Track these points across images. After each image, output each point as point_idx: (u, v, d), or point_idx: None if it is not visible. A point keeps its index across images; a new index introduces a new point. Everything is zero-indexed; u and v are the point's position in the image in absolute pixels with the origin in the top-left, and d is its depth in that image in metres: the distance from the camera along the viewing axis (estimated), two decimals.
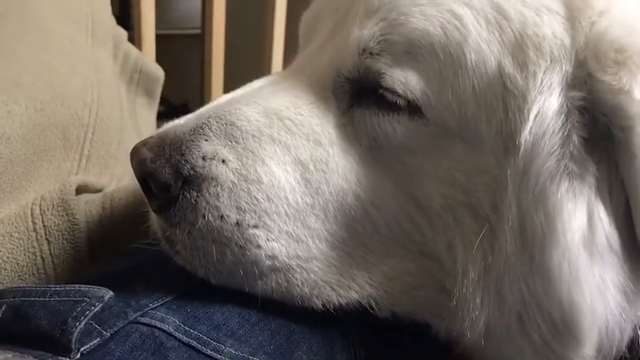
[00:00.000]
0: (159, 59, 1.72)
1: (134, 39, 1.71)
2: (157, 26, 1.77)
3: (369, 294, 0.63)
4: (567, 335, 0.59)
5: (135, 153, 0.62)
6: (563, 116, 0.57)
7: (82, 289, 0.59)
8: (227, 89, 1.94)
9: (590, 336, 0.59)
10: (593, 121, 0.57)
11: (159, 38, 1.79)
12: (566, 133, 0.57)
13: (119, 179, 0.96)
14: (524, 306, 0.59)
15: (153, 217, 0.66)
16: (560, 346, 0.59)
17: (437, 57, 0.59)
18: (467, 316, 0.60)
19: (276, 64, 1.96)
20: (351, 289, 0.63)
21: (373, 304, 0.64)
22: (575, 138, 0.57)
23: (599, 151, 0.58)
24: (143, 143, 0.62)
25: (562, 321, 0.58)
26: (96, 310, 0.57)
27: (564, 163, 0.57)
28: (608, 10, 0.58)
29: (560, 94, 0.57)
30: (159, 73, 1.15)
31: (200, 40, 2.76)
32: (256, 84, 0.68)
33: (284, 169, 0.62)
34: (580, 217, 0.57)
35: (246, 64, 2.53)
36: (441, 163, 0.61)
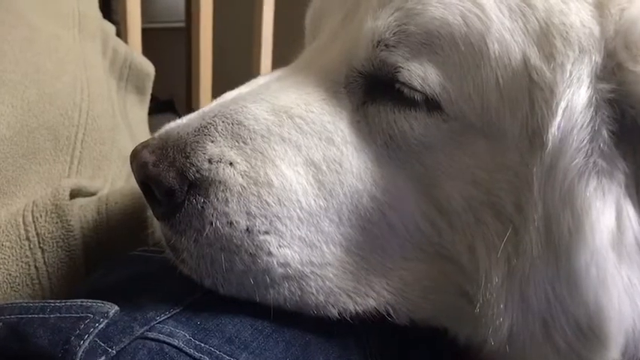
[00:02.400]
0: (143, 54, 1.68)
1: (119, 33, 1.66)
2: (141, 20, 1.72)
3: (387, 300, 0.60)
4: (593, 339, 0.56)
5: (135, 156, 0.58)
6: (592, 110, 0.54)
7: (85, 304, 0.56)
8: (215, 83, 1.91)
9: (617, 340, 0.56)
10: (622, 114, 0.54)
11: (143, 32, 1.74)
12: (595, 128, 0.54)
13: (113, 181, 0.92)
14: (550, 310, 0.56)
15: (155, 223, 0.62)
16: (585, 351, 0.57)
17: (457, 48, 0.55)
18: (491, 323, 0.57)
19: (265, 58, 1.91)
20: (369, 296, 0.60)
21: (391, 310, 0.61)
22: (604, 133, 0.54)
23: (625, 146, 0.55)
24: (144, 145, 0.58)
25: (588, 325, 0.56)
26: (101, 326, 0.53)
27: (593, 159, 0.54)
28: None
29: (589, 87, 0.54)
30: (149, 68, 1.11)
31: (185, 34, 2.72)
32: (262, 80, 0.64)
33: (295, 171, 0.58)
34: (609, 217, 0.55)
35: (235, 58, 2.49)
36: (461, 160, 0.57)
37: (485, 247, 0.58)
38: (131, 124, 1.04)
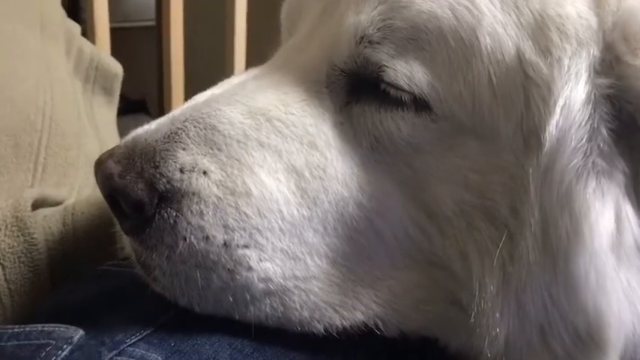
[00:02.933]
0: (113, 53, 1.62)
1: (87, 33, 1.61)
2: (110, 19, 1.66)
3: (376, 313, 0.57)
4: (592, 346, 0.54)
5: (99, 166, 0.54)
6: (590, 106, 0.51)
7: (46, 329, 0.51)
8: (188, 83, 1.85)
9: (616, 345, 0.54)
10: (621, 110, 0.52)
11: (114, 32, 1.68)
12: (594, 126, 0.51)
13: (80, 189, 0.87)
14: (547, 317, 0.54)
15: (125, 237, 0.58)
16: (583, 357, 0.54)
17: (446, 43, 0.52)
18: (486, 333, 0.54)
19: (238, 54, 1.86)
20: (356, 310, 0.56)
21: (380, 324, 0.57)
22: (603, 131, 0.52)
23: (624, 144, 0.53)
24: (109, 154, 0.54)
25: (587, 331, 0.53)
26: (64, 354, 0.49)
27: (592, 159, 0.52)
28: None
29: (587, 82, 0.51)
30: (117, 68, 1.06)
31: (156, 33, 2.66)
32: (236, 80, 0.60)
33: (276, 179, 0.54)
34: (608, 219, 0.52)
35: (207, 56, 2.43)
36: (452, 162, 0.54)
37: (478, 253, 0.55)
38: (98, 127, 0.99)
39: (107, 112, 1.04)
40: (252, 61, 1.90)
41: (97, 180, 0.55)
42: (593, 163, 0.51)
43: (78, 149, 0.88)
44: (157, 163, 0.53)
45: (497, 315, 0.54)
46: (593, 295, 0.52)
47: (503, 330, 0.54)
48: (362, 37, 0.53)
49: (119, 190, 0.52)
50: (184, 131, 0.54)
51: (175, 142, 0.54)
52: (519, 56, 0.51)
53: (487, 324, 0.54)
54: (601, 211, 0.52)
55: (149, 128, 0.55)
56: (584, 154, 0.51)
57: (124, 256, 0.62)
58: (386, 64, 0.52)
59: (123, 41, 1.89)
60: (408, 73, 0.52)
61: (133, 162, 0.53)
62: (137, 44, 2.48)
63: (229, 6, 1.81)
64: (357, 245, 0.56)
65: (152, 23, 2.66)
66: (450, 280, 0.57)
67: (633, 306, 0.53)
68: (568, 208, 0.51)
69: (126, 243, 0.58)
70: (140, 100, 2.51)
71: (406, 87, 0.52)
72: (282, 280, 0.54)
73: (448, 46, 0.52)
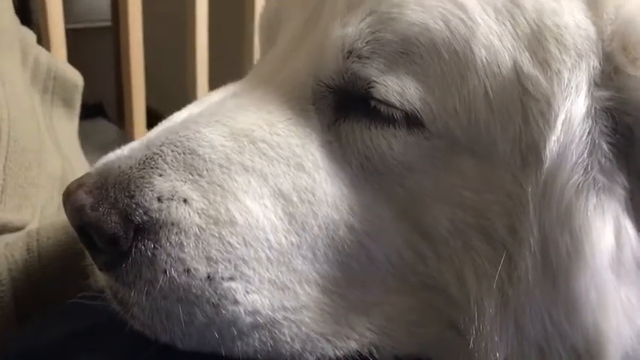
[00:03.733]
0: (67, 56, 1.55)
1: (40, 36, 1.53)
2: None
3: (370, 340, 0.54)
4: None
5: (69, 198, 0.49)
6: (590, 120, 0.49)
7: None
8: (149, 85, 1.79)
9: None
10: (621, 123, 0.50)
11: (65, 33, 1.61)
12: (594, 140, 0.49)
13: (43, 209, 0.82)
14: (546, 338, 0.52)
15: (97, 271, 0.53)
16: None
17: (439, 57, 0.49)
18: (485, 357, 0.52)
19: (200, 55, 1.81)
20: (350, 339, 0.53)
21: (374, 351, 0.54)
22: (603, 145, 0.50)
23: (624, 158, 0.51)
24: (78, 184, 0.49)
25: (586, 349, 0.52)
26: None
27: (592, 175, 0.50)
28: None
29: (587, 95, 0.49)
30: (76, 78, 1.00)
31: (112, 33, 2.57)
32: (214, 97, 0.56)
33: (262, 204, 0.50)
34: (608, 236, 0.50)
35: (168, 56, 2.37)
36: (446, 181, 0.51)
37: (475, 274, 0.52)
38: (59, 142, 0.94)
39: (68, 125, 0.98)
40: (214, 59, 1.86)
41: (66, 212, 0.50)
42: (593, 179, 0.49)
43: (39, 167, 0.83)
44: (132, 193, 0.49)
45: (496, 338, 0.52)
46: (594, 313, 0.50)
47: (503, 353, 0.52)
48: (350, 52, 0.50)
49: (91, 224, 0.48)
50: (161, 156, 0.50)
51: (151, 168, 0.50)
52: (516, 69, 0.48)
53: (486, 348, 0.52)
54: (602, 228, 0.50)
55: (122, 153, 0.51)
56: (585, 170, 0.49)
57: (96, 286, 0.58)
58: (376, 79, 0.49)
59: (76, 43, 1.82)
60: (399, 89, 0.49)
61: (105, 192, 0.48)
62: (92, 46, 2.39)
63: (190, 4, 1.75)
64: (349, 270, 0.53)
65: (107, 24, 2.58)
66: (446, 303, 0.54)
67: (632, 322, 0.52)
68: (568, 226, 0.50)
69: (99, 276, 0.54)
70: (97, 104, 2.42)
71: (398, 104, 0.49)
72: (270, 312, 0.51)
73: (441, 59, 0.49)
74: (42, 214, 0.82)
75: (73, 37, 1.72)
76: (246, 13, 1.76)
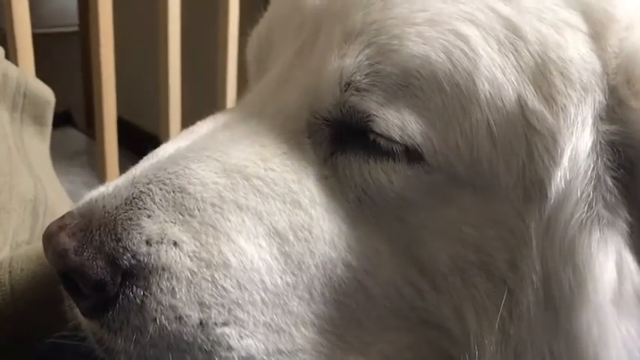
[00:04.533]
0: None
1: (6, 41, 1.47)
2: None
3: None
4: None
5: (50, 240, 0.46)
6: (594, 155, 0.48)
7: None
8: (120, 92, 1.74)
9: None
10: (624, 157, 0.49)
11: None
12: (599, 175, 0.48)
13: (15, 235, 0.78)
14: None
15: (79, 315, 0.50)
16: None
17: (441, 90, 0.47)
18: None
19: (172, 59, 1.76)
20: None
21: None
22: (607, 180, 0.49)
23: (627, 191, 0.50)
24: (60, 226, 0.46)
25: None
26: None
27: (596, 210, 0.49)
28: (635, 22, 0.48)
29: (592, 130, 0.48)
30: (48, 95, 0.95)
31: (79, 38, 2.49)
32: (203, 129, 0.53)
33: (257, 244, 0.48)
34: (611, 270, 0.50)
35: (138, 61, 2.31)
36: (446, 216, 0.50)
37: (474, 310, 0.51)
38: (31, 162, 0.89)
39: (39, 144, 0.94)
40: (186, 63, 1.82)
41: (46, 256, 0.47)
42: (597, 214, 0.48)
43: (9, 191, 0.79)
44: (119, 236, 0.46)
45: None
46: (595, 348, 0.49)
47: None
48: (348, 84, 0.48)
49: (76, 269, 0.45)
50: (149, 195, 0.47)
51: (139, 208, 0.47)
52: (521, 103, 0.47)
53: None
54: (604, 263, 0.49)
55: (106, 192, 0.48)
56: (589, 206, 0.48)
57: (74, 323, 0.55)
58: (375, 113, 0.47)
59: (42, 49, 1.76)
60: (399, 123, 0.47)
61: (90, 235, 0.46)
62: (58, 52, 2.32)
63: (162, 7, 1.70)
64: (346, 310, 0.51)
65: (72, 29, 2.50)
66: (444, 339, 0.53)
67: (631, 354, 0.51)
68: (571, 262, 0.49)
69: (82, 320, 0.51)
70: (65, 112, 2.35)
71: (398, 138, 0.47)
72: (265, 357, 0.49)
73: (443, 92, 0.47)
74: (13, 240, 0.78)
75: (38, 42, 1.67)
76: (220, 20, 1.73)
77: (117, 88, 1.72)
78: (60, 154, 0.98)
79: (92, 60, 1.72)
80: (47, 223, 0.81)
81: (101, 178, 1.72)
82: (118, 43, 1.70)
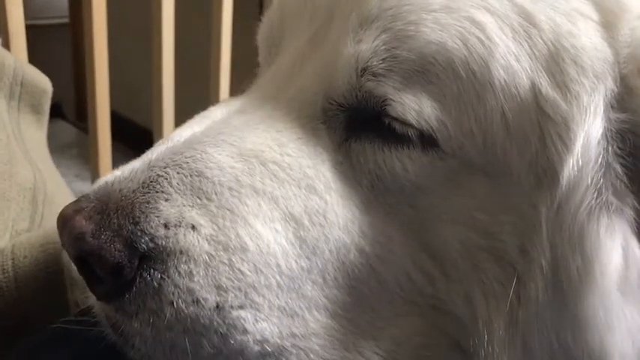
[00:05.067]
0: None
1: None
2: None
3: None
4: None
5: (65, 224, 0.46)
6: (605, 142, 0.49)
7: None
8: (113, 86, 1.73)
9: None
10: (634, 145, 0.50)
11: None
12: (608, 163, 0.49)
13: (15, 223, 0.77)
14: (551, 357, 0.52)
15: (93, 299, 0.50)
16: None
17: (456, 76, 0.47)
18: None
19: (166, 55, 1.75)
20: None
21: None
22: (617, 167, 0.50)
23: (635, 179, 0.51)
24: (76, 209, 0.46)
25: None
26: None
27: (605, 197, 0.50)
28: None
29: (603, 118, 0.48)
30: (45, 84, 0.95)
31: (69, 30, 2.47)
32: (217, 114, 0.53)
33: (273, 229, 0.48)
34: (617, 256, 0.50)
35: (131, 55, 2.30)
36: (458, 202, 0.50)
37: (483, 295, 0.52)
38: (29, 150, 0.89)
39: (36, 132, 0.93)
40: (180, 57, 1.81)
41: (62, 240, 0.47)
42: (606, 200, 0.49)
43: (9, 179, 0.78)
44: (137, 219, 0.46)
45: (505, 359, 0.51)
46: (600, 333, 0.50)
47: None
48: (364, 69, 0.48)
49: (93, 253, 0.45)
50: (166, 179, 0.47)
51: (156, 192, 0.47)
52: (534, 91, 0.48)
53: None
54: (612, 249, 0.50)
55: (122, 175, 0.48)
56: (598, 192, 0.49)
57: (83, 309, 0.55)
58: (392, 97, 0.48)
59: (33, 40, 1.74)
60: (416, 107, 0.47)
61: (107, 218, 0.45)
62: (48, 43, 2.30)
63: (156, 1, 1.69)
64: (359, 295, 0.51)
65: (62, 20, 2.48)
66: (454, 325, 0.53)
67: (635, 340, 0.52)
68: (580, 248, 0.49)
69: (95, 303, 0.50)
70: (55, 105, 2.33)
71: (414, 122, 0.48)
72: (279, 340, 0.49)
73: (458, 79, 0.47)
74: (13, 228, 0.77)
75: (28, 33, 1.65)
76: (213, 14, 1.72)
77: (110, 82, 1.71)
78: (50, 146, 0.97)
79: (85, 53, 1.70)
80: (47, 213, 0.81)
81: (94, 171, 1.70)
82: (110, 36, 1.69)
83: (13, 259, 0.66)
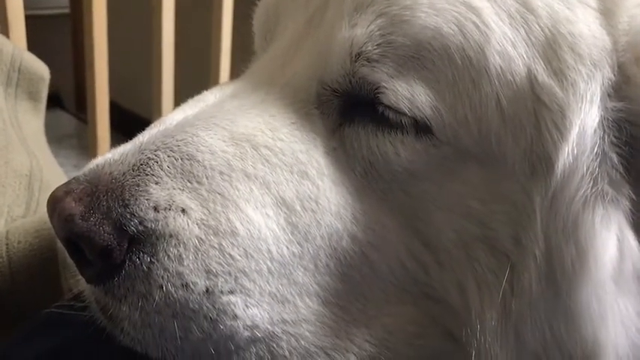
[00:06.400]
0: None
1: None
2: None
3: (369, 354, 0.53)
4: None
5: (55, 206, 0.45)
6: (601, 131, 0.48)
7: None
8: (113, 76, 1.73)
9: None
10: (630, 134, 0.49)
11: None
12: (604, 152, 0.49)
13: (10, 210, 0.77)
14: (544, 348, 0.51)
15: (83, 282, 0.50)
16: None
17: (451, 62, 0.47)
18: None
19: (166, 45, 1.74)
20: (349, 352, 0.52)
21: None
22: (613, 157, 0.49)
23: (631, 169, 0.50)
24: (66, 191, 0.46)
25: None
26: None
27: (601, 186, 0.49)
28: None
29: (599, 106, 0.48)
30: (43, 71, 0.94)
31: (70, 21, 2.47)
32: (210, 97, 0.53)
33: (264, 214, 0.48)
34: (612, 247, 0.50)
35: (131, 45, 2.29)
36: (452, 189, 0.50)
37: (477, 285, 0.51)
38: (25, 137, 0.88)
39: (33, 120, 0.93)
40: (179, 48, 1.80)
41: (52, 222, 0.46)
42: (602, 190, 0.49)
43: (5, 165, 0.78)
44: (127, 201, 0.45)
45: (497, 349, 0.51)
46: (593, 324, 0.50)
47: None
48: (358, 54, 0.48)
49: (82, 235, 0.44)
50: (157, 162, 0.47)
51: (147, 174, 0.46)
52: (530, 78, 0.47)
53: (486, 358, 0.51)
54: (606, 239, 0.49)
55: (112, 158, 0.47)
56: (594, 182, 0.49)
57: (75, 294, 0.54)
58: (385, 84, 0.47)
59: (32, 30, 1.74)
60: (409, 95, 0.47)
61: (97, 200, 0.45)
62: (48, 34, 2.29)
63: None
64: (351, 282, 0.51)
65: (62, 11, 2.47)
66: (446, 313, 0.53)
67: (628, 331, 0.52)
68: (574, 238, 0.49)
69: (85, 287, 0.50)
70: (54, 94, 2.32)
71: (407, 110, 0.47)
72: (269, 326, 0.49)
73: (453, 65, 0.47)
74: (9, 214, 0.77)
75: (27, 24, 1.64)
76: (214, 4, 1.71)
77: (109, 73, 1.70)
78: (49, 136, 0.97)
79: (85, 43, 1.70)
80: (42, 200, 0.81)
81: None
82: (110, 26, 1.68)
83: (7, 244, 0.65)
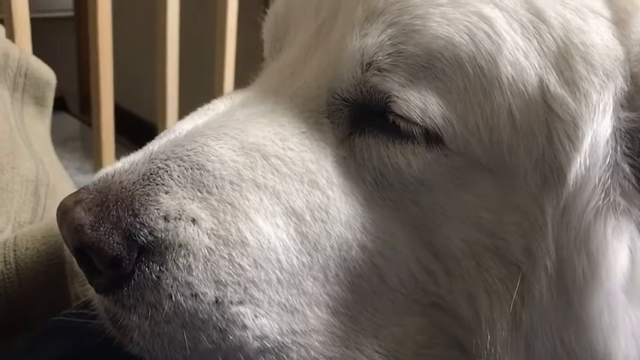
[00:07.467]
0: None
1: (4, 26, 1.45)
2: None
3: None
4: None
5: (65, 215, 0.45)
6: (613, 142, 0.48)
7: None
8: (117, 80, 1.73)
9: None
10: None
11: None
12: (617, 162, 0.49)
13: (17, 215, 0.77)
14: (555, 358, 0.51)
15: (92, 292, 0.50)
16: None
17: (463, 72, 0.47)
18: None
19: (171, 47, 1.74)
20: None
21: None
22: (625, 167, 0.49)
23: None
24: (76, 201, 0.45)
25: None
26: None
27: (613, 197, 0.49)
28: None
29: (612, 117, 0.48)
30: (49, 75, 0.94)
31: (74, 24, 2.47)
32: (220, 106, 0.52)
33: (274, 224, 0.48)
34: (623, 258, 0.50)
35: (136, 49, 2.29)
36: (463, 200, 0.50)
37: (487, 295, 0.51)
38: (32, 142, 0.88)
39: (39, 125, 0.93)
40: (184, 51, 1.80)
41: (61, 232, 0.46)
42: (614, 201, 0.49)
43: (12, 171, 0.78)
44: (137, 211, 0.45)
45: (507, 359, 0.51)
46: (604, 335, 0.50)
47: None
48: (369, 64, 0.48)
49: (92, 245, 0.44)
50: (167, 171, 0.47)
51: (157, 184, 0.46)
52: (542, 88, 0.47)
53: None
54: (618, 250, 0.49)
55: (122, 167, 0.47)
56: (606, 193, 0.48)
57: (83, 302, 0.54)
58: (396, 94, 0.47)
59: (37, 33, 1.74)
60: (421, 104, 0.47)
61: (107, 210, 0.45)
62: (52, 37, 2.30)
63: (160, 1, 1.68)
64: (360, 292, 0.51)
65: (67, 14, 2.48)
66: (455, 324, 0.53)
67: (639, 342, 0.51)
68: (586, 248, 0.49)
69: (94, 296, 0.50)
70: (58, 98, 2.34)
71: (419, 120, 0.47)
72: (279, 337, 0.49)
73: (465, 75, 0.47)
74: (16, 220, 0.77)
75: (33, 27, 1.65)
76: (218, 9, 1.71)
77: (114, 76, 1.70)
78: (53, 139, 0.97)
79: (90, 47, 1.70)
80: (49, 205, 0.81)
81: (97, 165, 1.70)
82: (115, 30, 1.69)
83: (15, 250, 0.65)
